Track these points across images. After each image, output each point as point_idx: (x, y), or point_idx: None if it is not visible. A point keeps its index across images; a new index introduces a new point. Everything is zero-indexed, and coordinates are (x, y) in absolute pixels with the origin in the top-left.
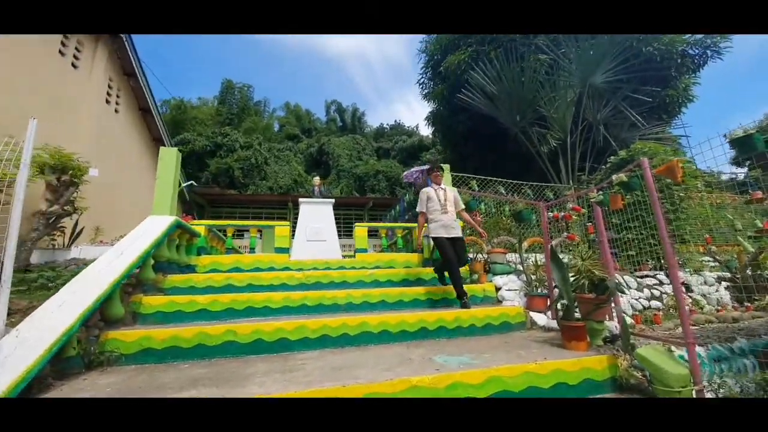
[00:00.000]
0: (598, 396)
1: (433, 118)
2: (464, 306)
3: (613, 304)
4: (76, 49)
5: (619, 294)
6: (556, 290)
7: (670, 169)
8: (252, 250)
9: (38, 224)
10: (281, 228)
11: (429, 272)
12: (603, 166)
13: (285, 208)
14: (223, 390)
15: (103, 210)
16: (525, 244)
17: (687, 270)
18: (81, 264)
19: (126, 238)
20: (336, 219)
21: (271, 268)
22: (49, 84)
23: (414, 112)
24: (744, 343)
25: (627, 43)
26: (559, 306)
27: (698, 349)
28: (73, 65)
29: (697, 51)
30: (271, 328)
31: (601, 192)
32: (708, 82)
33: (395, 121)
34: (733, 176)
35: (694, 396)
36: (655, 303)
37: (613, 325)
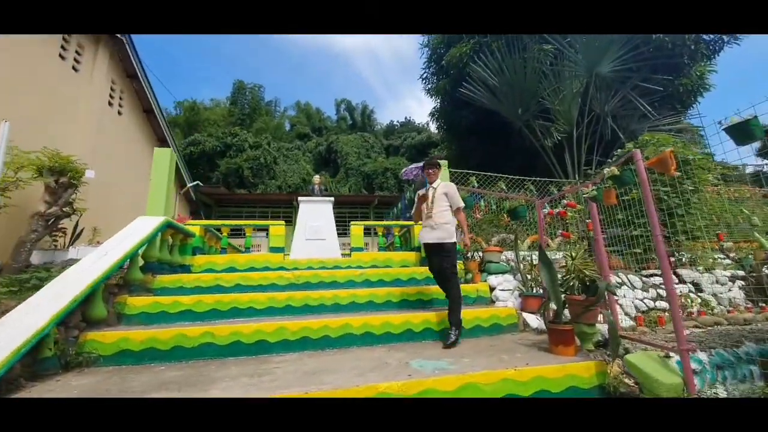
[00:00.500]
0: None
1: (437, 114)
2: (448, 343)
3: (604, 307)
4: (77, 52)
5: (614, 295)
6: None
7: (662, 162)
8: (248, 249)
9: (37, 225)
10: (276, 227)
11: (423, 271)
12: (610, 160)
13: (291, 207)
14: (184, 394)
15: (106, 211)
16: (527, 242)
17: (698, 268)
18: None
19: (113, 239)
20: (342, 217)
21: (266, 268)
22: (49, 87)
23: (424, 109)
24: (752, 347)
25: None
26: (550, 307)
27: (701, 354)
28: (74, 68)
29: (711, 37)
30: (249, 330)
31: (594, 187)
32: (726, 68)
33: (405, 117)
34: (759, 168)
35: None
36: (661, 303)
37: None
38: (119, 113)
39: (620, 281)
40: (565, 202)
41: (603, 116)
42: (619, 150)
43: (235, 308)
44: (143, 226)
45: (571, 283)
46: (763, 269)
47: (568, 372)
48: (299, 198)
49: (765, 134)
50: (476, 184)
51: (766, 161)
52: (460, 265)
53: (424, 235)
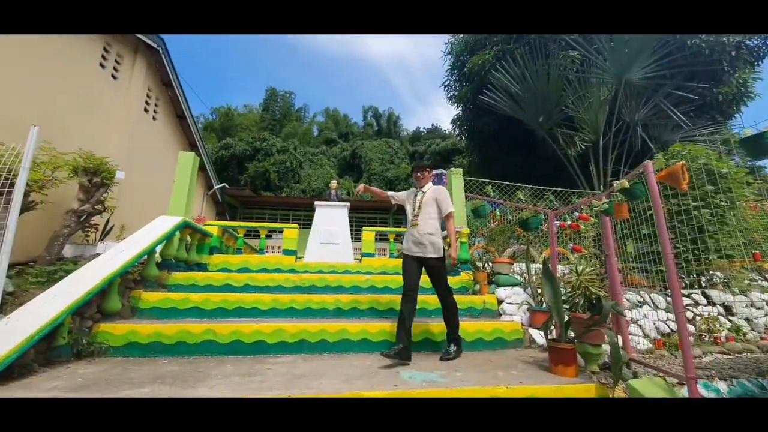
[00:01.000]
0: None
1: (459, 121)
2: (446, 357)
3: (611, 327)
4: (116, 61)
5: (621, 315)
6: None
7: (672, 175)
8: (262, 250)
9: (70, 221)
10: (289, 230)
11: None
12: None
13: (311, 210)
14: (175, 389)
15: (136, 210)
16: (544, 254)
17: (732, 290)
18: None
19: (133, 236)
20: (361, 222)
21: (278, 270)
22: (89, 93)
23: (451, 115)
24: None
25: (668, 36)
26: (553, 324)
27: (720, 384)
28: (113, 76)
29: (755, 42)
30: (249, 330)
31: (607, 200)
32: None
33: (432, 124)
34: None
35: None
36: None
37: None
38: (154, 119)
39: (641, 300)
40: (577, 214)
41: (633, 125)
42: (646, 161)
43: (240, 308)
44: (162, 225)
45: (577, 300)
46: None
47: (565, 394)
48: (315, 203)
49: None
50: (492, 194)
51: None
52: (468, 275)
53: (407, 245)
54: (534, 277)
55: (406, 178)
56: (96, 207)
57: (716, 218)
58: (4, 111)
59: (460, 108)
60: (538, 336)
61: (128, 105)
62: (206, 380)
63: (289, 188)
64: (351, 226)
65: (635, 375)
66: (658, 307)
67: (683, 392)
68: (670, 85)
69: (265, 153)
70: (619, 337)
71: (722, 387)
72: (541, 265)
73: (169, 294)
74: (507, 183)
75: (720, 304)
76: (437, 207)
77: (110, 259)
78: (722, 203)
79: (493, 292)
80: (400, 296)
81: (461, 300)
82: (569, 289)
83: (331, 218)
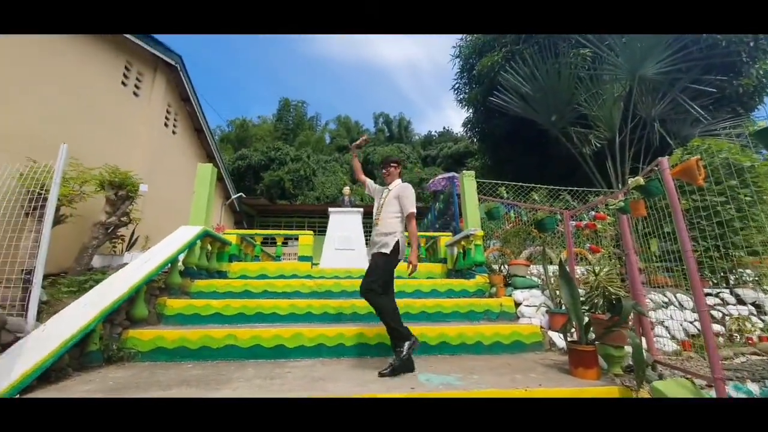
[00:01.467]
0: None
1: (470, 124)
2: (389, 370)
3: (631, 327)
4: (137, 79)
5: (643, 315)
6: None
7: (687, 171)
8: (278, 257)
9: (98, 233)
10: (304, 237)
11: (445, 283)
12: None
13: (325, 217)
14: (200, 391)
15: (159, 220)
16: (563, 255)
17: (763, 288)
18: None
19: (157, 246)
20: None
21: (294, 276)
22: (112, 111)
23: (462, 118)
24: None
25: None
26: (572, 326)
27: (752, 385)
28: (135, 93)
29: None
30: (269, 334)
31: (623, 198)
32: None
33: (444, 127)
34: None
35: None
36: (714, 326)
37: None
38: (173, 132)
39: (666, 300)
40: (593, 213)
41: (649, 121)
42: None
43: (260, 313)
44: (184, 234)
45: (596, 301)
46: None
47: (585, 397)
48: (329, 209)
49: None
50: (506, 195)
51: None
52: (484, 278)
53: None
54: (552, 278)
55: (419, 182)
56: (122, 219)
57: (742, 213)
58: (34, 131)
59: (471, 110)
60: (558, 339)
61: (149, 120)
62: (229, 383)
63: (304, 196)
64: (365, 231)
65: (661, 377)
66: (684, 308)
67: (711, 394)
68: (686, 79)
69: (279, 162)
70: (643, 339)
71: (754, 389)
72: (556, 267)
73: (192, 301)
74: (521, 184)
75: (751, 303)
76: (399, 206)
77: (137, 268)
78: (747, 198)
79: (509, 295)
80: (416, 300)
81: (477, 303)
82: (587, 290)
83: (345, 224)
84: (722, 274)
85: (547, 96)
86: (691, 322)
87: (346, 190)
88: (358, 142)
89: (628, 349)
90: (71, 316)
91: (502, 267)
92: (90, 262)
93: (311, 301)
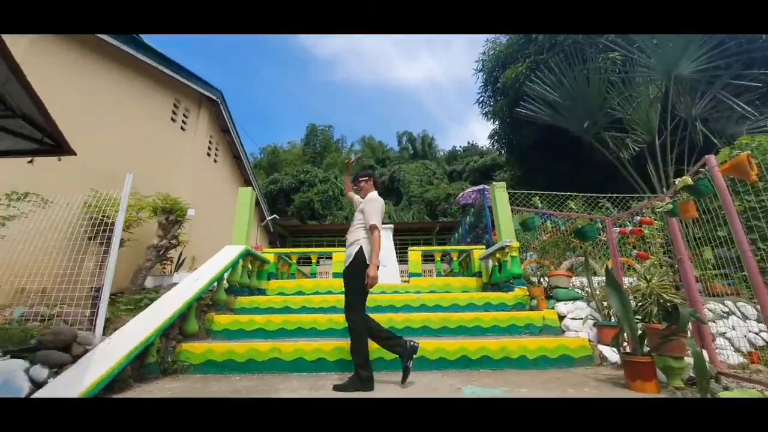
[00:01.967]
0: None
1: (496, 136)
2: (337, 385)
3: (690, 336)
4: (184, 115)
5: (702, 323)
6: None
7: (737, 166)
8: (313, 275)
9: (151, 255)
10: (338, 254)
11: (481, 297)
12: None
13: None
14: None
15: (203, 242)
16: (607, 264)
17: None
18: None
19: (204, 265)
20: (404, 244)
21: (329, 292)
22: (164, 144)
23: (487, 131)
24: None
25: None
26: (624, 337)
27: None
28: (182, 128)
29: None
30: (310, 347)
31: (671, 200)
32: None
33: (468, 142)
34: None
35: None
36: None
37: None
38: (215, 161)
39: (727, 311)
40: (638, 219)
41: (690, 121)
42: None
43: (300, 328)
44: (228, 253)
45: (649, 310)
46: None
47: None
48: None
49: None
50: (540, 205)
51: None
52: (523, 291)
53: None
54: (597, 290)
55: (446, 197)
56: (172, 242)
57: None
58: (99, 165)
59: (497, 122)
60: (610, 352)
61: (194, 151)
62: (277, 393)
63: (332, 216)
64: (395, 248)
65: (726, 389)
66: (747, 318)
67: None
68: (726, 76)
69: (308, 184)
70: (704, 352)
71: None
72: (603, 278)
73: (237, 316)
74: (555, 193)
75: None
76: (364, 218)
77: (187, 286)
78: None
79: (552, 308)
80: (453, 314)
81: (518, 316)
82: (639, 298)
83: None
84: None
85: (577, 102)
86: (756, 333)
87: None
88: (351, 159)
89: (689, 360)
90: (132, 331)
91: (542, 279)
92: (144, 283)
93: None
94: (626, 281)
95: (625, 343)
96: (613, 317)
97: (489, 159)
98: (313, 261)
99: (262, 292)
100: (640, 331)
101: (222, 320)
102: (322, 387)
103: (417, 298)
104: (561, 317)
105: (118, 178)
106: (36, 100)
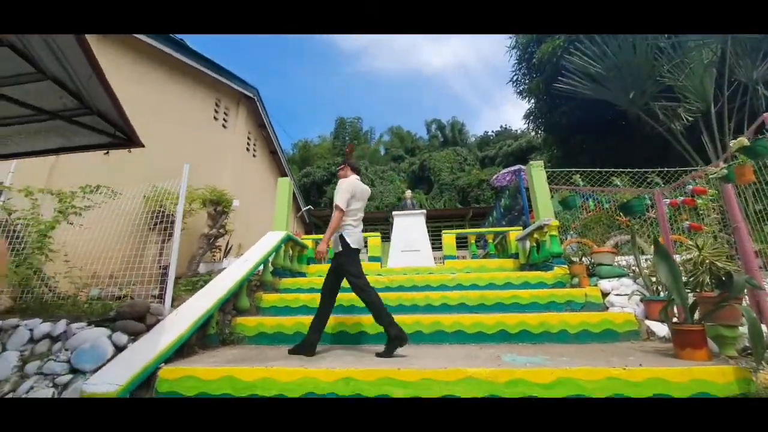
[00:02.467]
0: None
1: (532, 115)
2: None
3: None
4: (225, 113)
5: (760, 289)
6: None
7: None
8: None
9: (203, 243)
10: (374, 239)
11: (521, 276)
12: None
13: (386, 223)
14: (303, 363)
15: (246, 230)
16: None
17: None
18: None
19: (251, 249)
20: (437, 231)
21: (366, 274)
22: (208, 141)
23: (519, 113)
24: None
25: None
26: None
27: None
28: (223, 125)
29: None
30: (350, 321)
31: (725, 165)
32: None
33: (501, 126)
34: None
35: None
36: None
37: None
38: (254, 155)
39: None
40: (690, 188)
41: (751, 85)
42: None
43: (341, 305)
44: (272, 238)
45: (701, 279)
46: None
47: (695, 376)
48: (393, 213)
49: None
50: (581, 183)
51: None
52: (563, 269)
53: None
54: (645, 268)
55: (478, 184)
56: (220, 231)
57: None
58: (154, 162)
59: (532, 101)
60: (659, 326)
61: (235, 147)
62: (324, 359)
63: None
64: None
65: None
66: None
67: None
68: None
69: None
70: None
71: None
72: (650, 256)
73: (282, 295)
74: (598, 170)
75: None
76: None
77: (238, 267)
78: None
79: (595, 285)
80: (490, 292)
81: (558, 293)
82: (690, 268)
83: (409, 226)
84: None
85: (623, 72)
86: None
87: (408, 193)
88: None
89: (742, 329)
90: (195, 305)
91: (583, 258)
92: (197, 268)
93: (385, 294)
94: (677, 259)
95: (674, 317)
96: (661, 292)
97: (524, 141)
98: None
99: (302, 275)
100: (690, 301)
101: (270, 298)
102: (365, 355)
103: (453, 278)
104: (605, 294)
105: (171, 173)
106: (113, 97)
